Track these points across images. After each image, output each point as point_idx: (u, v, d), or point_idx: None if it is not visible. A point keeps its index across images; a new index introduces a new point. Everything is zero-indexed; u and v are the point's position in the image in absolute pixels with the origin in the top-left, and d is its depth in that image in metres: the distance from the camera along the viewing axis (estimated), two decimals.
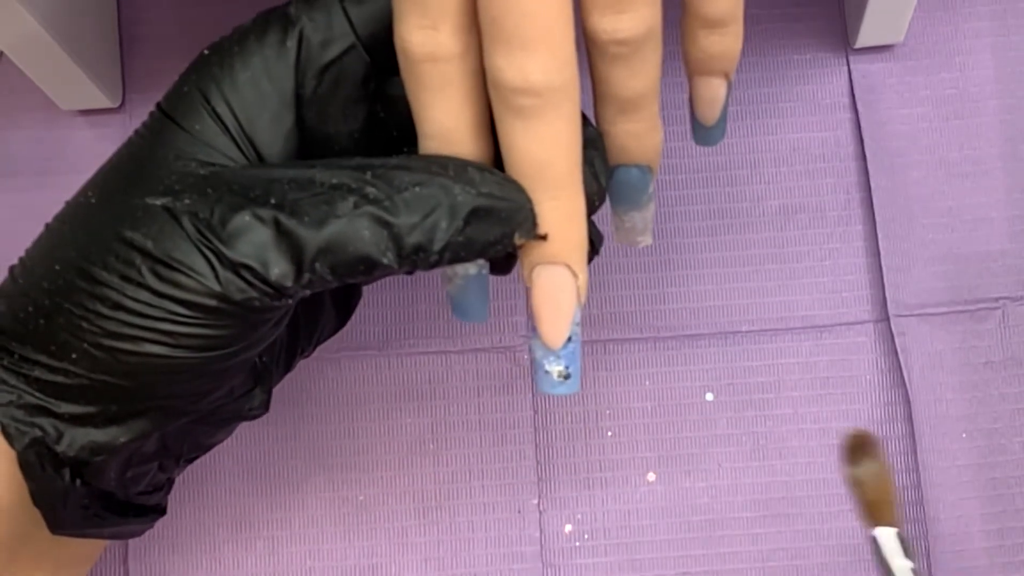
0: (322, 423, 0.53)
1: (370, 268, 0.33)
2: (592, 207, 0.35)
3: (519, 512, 0.52)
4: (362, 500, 0.53)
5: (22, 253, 0.37)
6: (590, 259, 0.36)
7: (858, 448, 0.39)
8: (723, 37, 0.36)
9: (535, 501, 0.52)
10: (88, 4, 0.54)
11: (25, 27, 0.48)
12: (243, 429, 0.43)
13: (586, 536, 0.52)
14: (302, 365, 0.45)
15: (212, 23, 0.57)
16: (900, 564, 0.37)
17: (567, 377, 0.35)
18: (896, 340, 0.53)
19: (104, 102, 0.55)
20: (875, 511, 0.38)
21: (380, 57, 0.36)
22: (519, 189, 0.33)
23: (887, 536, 0.38)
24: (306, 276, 0.33)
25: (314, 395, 0.53)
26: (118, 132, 0.56)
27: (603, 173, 0.35)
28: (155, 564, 0.52)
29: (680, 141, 0.55)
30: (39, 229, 0.37)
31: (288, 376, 0.44)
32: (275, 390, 0.43)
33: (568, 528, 0.52)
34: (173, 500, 0.44)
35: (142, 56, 0.57)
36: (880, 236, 0.54)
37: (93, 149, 0.56)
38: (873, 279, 0.54)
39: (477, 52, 0.33)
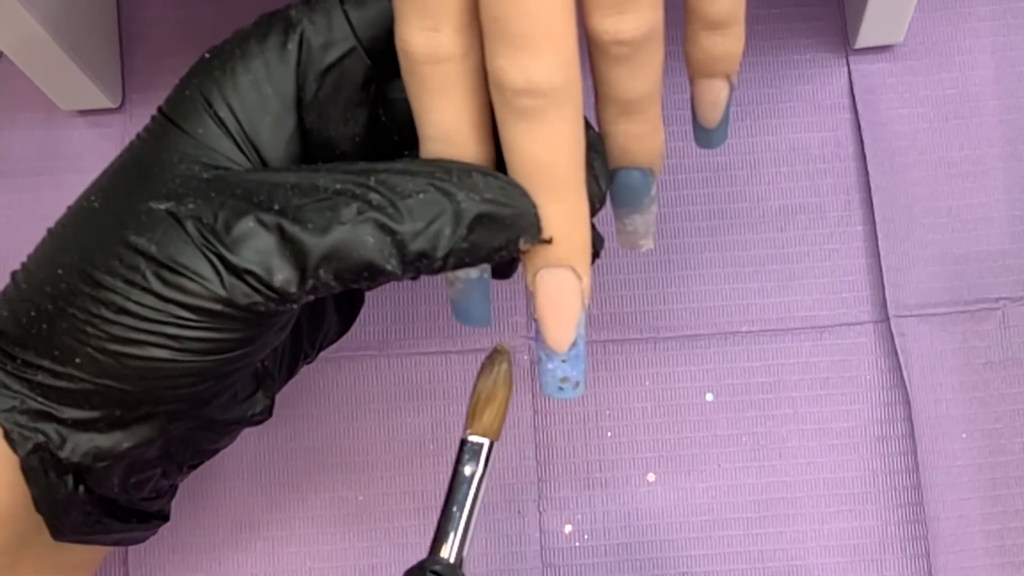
0: (322, 423, 0.53)
1: (374, 275, 0.33)
2: (593, 210, 0.35)
3: (519, 512, 0.52)
4: (362, 500, 0.53)
5: (22, 252, 0.37)
6: (591, 262, 0.36)
7: (492, 359, 0.40)
8: (724, 38, 0.36)
9: (535, 501, 0.52)
10: (88, 4, 0.54)
11: (25, 27, 0.48)
12: (243, 430, 0.43)
13: (586, 536, 0.52)
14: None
15: (212, 23, 0.57)
16: (465, 470, 0.38)
17: (573, 382, 0.35)
18: (896, 340, 0.53)
19: (104, 102, 0.55)
20: (478, 418, 0.39)
21: (381, 60, 0.36)
22: (523, 194, 0.33)
23: (475, 443, 0.38)
24: (310, 282, 0.33)
25: (314, 396, 0.53)
26: (118, 132, 0.56)
27: (603, 175, 0.35)
28: (155, 564, 0.52)
29: (680, 141, 0.55)
30: (39, 229, 0.37)
31: None
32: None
33: (568, 528, 0.52)
34: (173, 500, 0.44)
35: (142, 56, 0.57)
36: (880, 236, 0.54)
37: (93, 149, 0.56)
38: (873, 279, 0.54)
39: (479, 53, 0.32)
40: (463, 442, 0.38)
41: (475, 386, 0.39)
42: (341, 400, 0.53)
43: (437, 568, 0.38)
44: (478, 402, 0.38)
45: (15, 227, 0.55)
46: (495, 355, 0.39)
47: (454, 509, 0.38)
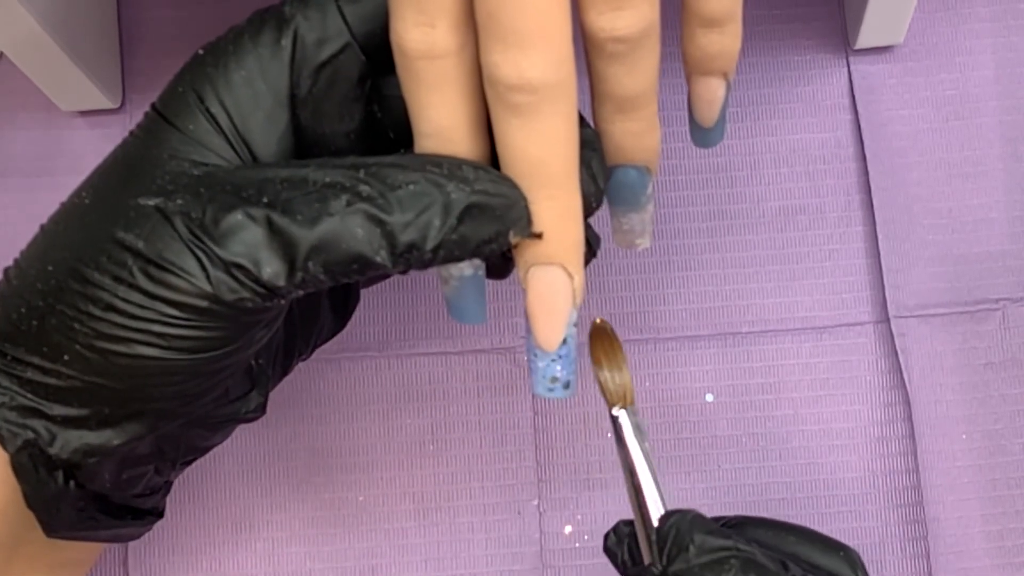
0: (322, 424, 0.53)
1: (363, 267, 0.33)
2: (589, 209, 0.35)
3: (519, 513, 0.52)
4: (362, 500, 0.53)
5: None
6: (587, 262, 0.36)
7: (600, 340, 0.42)
8: (721, 36, 0.35)
9: (535, 502, 0.52)
10: (88, 4, 0.54)
11: (25, 27, 0.48)
12: (243, 430, 0.43)
13: (586, 536, 0.52)
14: (302, 366, 0.45)
15: (212, 23, 0.57)
16: (638, 444, 0.41)
17: (564, 382, 0.35)
18: (896, 341, 0.53)
19: (104, 102, 0.55)
20: (616, 395, 0.41)
21: (376, 56, 0.35)
22: (514, 187, 0.33)
23: (626, 416, 0.41)
24: (299, 275, 0.33)
25: (314, 396, 0.53)
26: (118, 132, 0.56)
27: (601, 174, 0.35)
28: (155, 565, 0.52)
29: (680, 142, 0.55)
30: (38, 230, 0.37)
31: (288, 377, 0.44)
32: (275, 391, 0.43)
33: (568, 529, 0.52)
34: (172, 501, 0.44)
35: (142, 56, 0.57)
36: (880, 237, 0.54)
37: (93, 149, 0.56)
38: (873, 280, 0.54)
39: (474, 49, 0.32)
40: (615, 419, 0.41)
41: (601, 367, 0.41)
42: (341, 400, 0.53)
43: (674, 517, 0.39)
44: (619, 381, 0.41)
45: (14, 227, 0.55)
46: (602, 335, 0.41)
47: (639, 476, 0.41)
